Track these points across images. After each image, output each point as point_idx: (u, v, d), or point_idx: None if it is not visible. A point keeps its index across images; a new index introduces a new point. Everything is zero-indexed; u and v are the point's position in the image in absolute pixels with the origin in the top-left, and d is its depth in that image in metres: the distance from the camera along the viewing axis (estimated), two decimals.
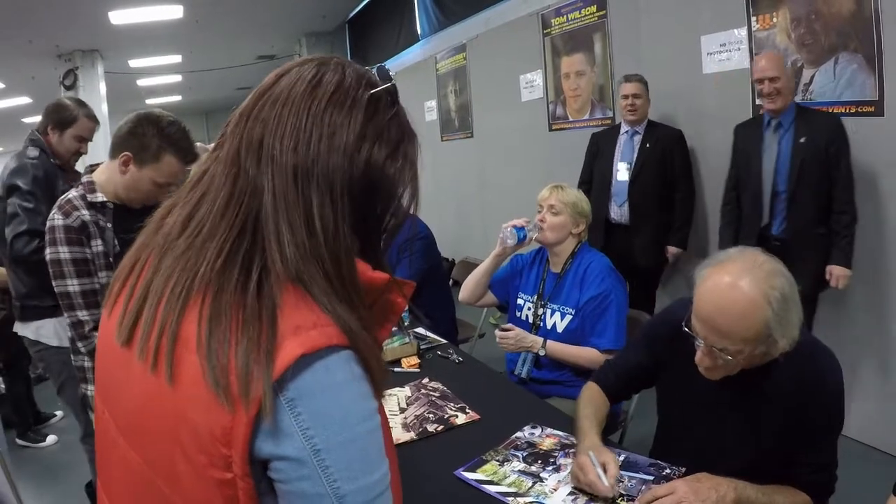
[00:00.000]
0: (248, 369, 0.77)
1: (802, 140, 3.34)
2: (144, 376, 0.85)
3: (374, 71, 0.96)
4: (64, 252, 2.18)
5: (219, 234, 0.85)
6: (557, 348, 2.76)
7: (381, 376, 0.88)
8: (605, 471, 1.67)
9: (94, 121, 3.40)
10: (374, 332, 0.91)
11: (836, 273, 3.31)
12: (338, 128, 0.87)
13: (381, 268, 0.93)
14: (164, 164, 2.20)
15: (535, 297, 2.94)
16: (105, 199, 2.26)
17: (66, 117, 3.29)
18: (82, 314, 2.21)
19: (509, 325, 2.87)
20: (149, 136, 2.18)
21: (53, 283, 2.21)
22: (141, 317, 0.88)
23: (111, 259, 2.23)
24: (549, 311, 2.86)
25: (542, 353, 2.77)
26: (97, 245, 2.22)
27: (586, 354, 2.71)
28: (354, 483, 0.80)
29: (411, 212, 0.99)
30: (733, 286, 1.55)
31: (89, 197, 2.24)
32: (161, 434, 0.84)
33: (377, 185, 0.91)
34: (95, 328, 2.18)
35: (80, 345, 2.27)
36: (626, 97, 4.30)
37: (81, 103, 3.40)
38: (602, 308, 2.72)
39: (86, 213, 2.21)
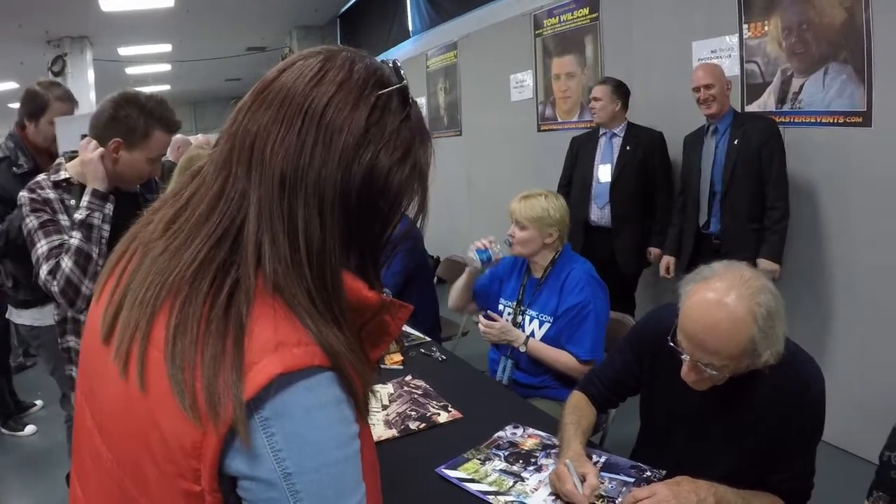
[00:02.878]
0: (215, 386, 0.74)
1: (736, 142, 3.57)
2: (117, 378, 0.82)
3: (390, 65, 0.89)
4: (31, 220, 2.17)
5: (197, 241, 0.81)
6: (537, 348, 2.75)
7: (365, 397, 0.85)
8: (583, 481, 1.66)
9: (67, 101, 3.27)
10: (366, 353, 0.87)
11: (763, 266, 3.43)
12: (336, 132, 0.81)
13: (376, 286, 0.87)
14: (153, 141, 2.19)
15: (515, 302, 2.93)
16: (68, 175, 2.24)
17: (38, 105, 3.18)
18: (48, 263, 2.15)
19: (495, 315, 2.85)
20: (134, 118, 2.16)
21: (31, 253, 2.18)
22: (120, 315, 0.85)
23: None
24: (527, 318, 2.86)
25: (522, 349, 2.76)
26: (64, 221, 2.21)
27: (564, 359, 2.70)
28: None
29: (417, 224, 0.93)
30: (719, 304, 1.55)
31: (52, 177, 2.24)
32: (132, 437, 0.81)
33: (379, 197, 0.85)
34: (58, 265, 2.13)
35: (56, 277, 2.16)
36: (591, 99, 4.45)
37: (53, 85, 3.28)
38: (581, 318, 2.70)
39: (49, 192, 2.21)
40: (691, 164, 3.84)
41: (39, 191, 2.20)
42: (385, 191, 0.85)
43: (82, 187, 2.24)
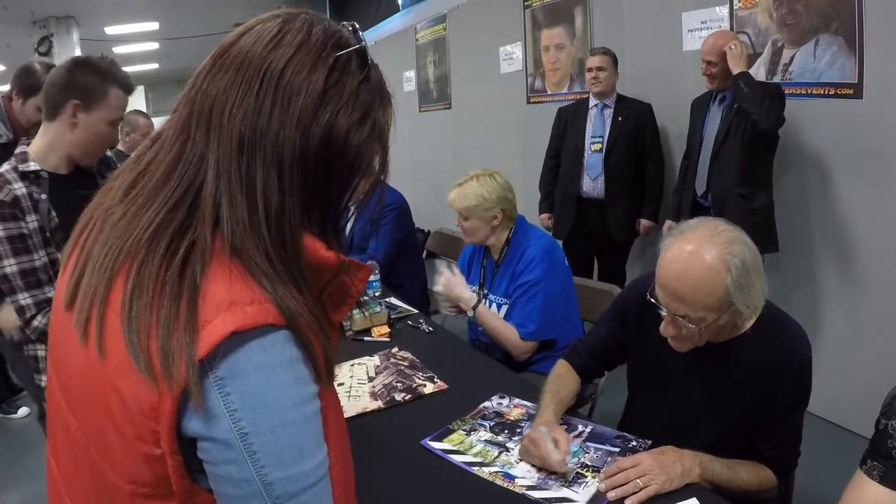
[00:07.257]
0: (169, 347, 0.73)
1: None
2: (79, 345, 0.82)
3: (350, 28, 0.89)
4: None
5: (155, 205, 0.81)
6: (485, 316, 2.70)
7: (328, 360, 0.85)
8: (556, 446, 1.66)
9: None
10: (329, 314, 0.87)
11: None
12: (294, 94, 0.81)
13: (335, 247, 0.86)
14: (111, 99, 2.11)
15: (478, 286, 2.88)
16: (38, 167, 2.13)
17: (32, 84, 3.10)
18: (23, 297, 2.08)
19: (443, 270, 2.77)
20: (91, 79, 2.09)
21: None
22: (81, 282, 0.84)
23: (48, 234, 2.12)
24: (487, 302, 2.80)
25: (470, 314, 2.71)
26: (32, 221, 2.10)
27: (507, 332, 2.64)
28: (284, 471, 0.77)
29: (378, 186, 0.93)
30: (693, 253, 1.57)
31: (21, 167, 2.11)
32: (94, 402, 0.81)
33: (338, 158, 0.85)
34: (39, 312, 2.09)
35: (26, 331, 2.14)
36: (590, 70, 4.33)
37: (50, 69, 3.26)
38: (529, 295, 2.64)
39: (18, 187, 2.08)
40: (695, 130, 3.76)
41: (7, 187, 2.05)
42: (344, 152, 0.85)
43: (52, 179, 2.15)
